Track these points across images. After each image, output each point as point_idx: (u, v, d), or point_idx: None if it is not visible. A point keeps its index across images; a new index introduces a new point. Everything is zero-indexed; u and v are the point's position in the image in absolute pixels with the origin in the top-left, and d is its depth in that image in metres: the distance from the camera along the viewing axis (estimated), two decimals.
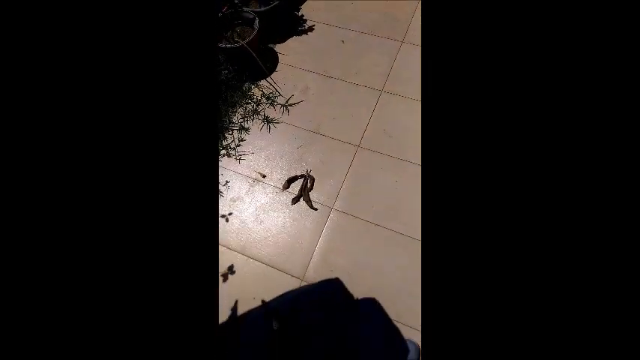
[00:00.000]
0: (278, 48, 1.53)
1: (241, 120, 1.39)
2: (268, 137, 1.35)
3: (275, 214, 1.21)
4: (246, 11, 1.42)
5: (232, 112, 1.41)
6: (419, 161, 1.23)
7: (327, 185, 1.24)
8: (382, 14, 1.54)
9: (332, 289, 1.05)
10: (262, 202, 1.23)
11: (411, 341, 0.96)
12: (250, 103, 1.43)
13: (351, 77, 1.42)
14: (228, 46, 1.34)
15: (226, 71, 1.44)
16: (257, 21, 1.39)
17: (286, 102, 1.41)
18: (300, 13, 1.59)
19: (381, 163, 1.25)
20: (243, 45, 1.32)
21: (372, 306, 1.01)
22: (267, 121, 1.38)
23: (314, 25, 1.55)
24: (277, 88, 1.44)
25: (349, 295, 1.03)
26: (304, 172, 1.27)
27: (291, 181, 1.27)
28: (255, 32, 1.38)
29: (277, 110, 1.40)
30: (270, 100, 1.42)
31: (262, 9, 1.42)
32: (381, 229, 1.13)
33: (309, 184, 1.25)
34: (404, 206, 1.17)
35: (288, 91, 1.43)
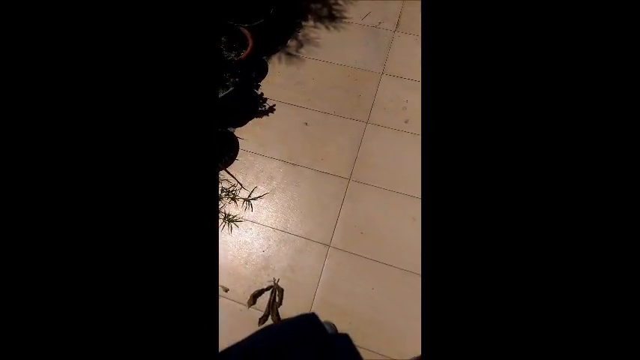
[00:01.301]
0: (238, 132, 1.42)
1: None
2: (229, 240, 1.22)
3: (242, 337, 1.07)
4: None
5: None
6: (400, 264, 1.14)
7: (298, 297, 1.12)
8: (344, 91, 1.48)
9: (308, 324, 1.00)
10: (226, 322, 1.09)
11: None
12: None
13: (318, 164, 1.33)
14: None
15: None
16: None
17: (249, 196, 1.29)
18: (259, 91, 1.50)
19: (357, 267, 1.15)
20: None
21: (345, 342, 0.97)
22: (229, 219, 1.25)
23: (275, 105, 1.46)
24: (238, 180, 1.33)
25: (324, 332, 1.01)
26: (272, 283, 1.15)
27: (256, 295, 1.14)
28: None
29: (239, 206, 1.28)
30: (231, 195, 1.30)
31: (224, 94, 1.32)
32: (361, 350, 1.02)
33: (277, 299, 1.13)
34: (386, 322, 1.07)
35: (250, 183, 1.32)
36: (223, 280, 1.16)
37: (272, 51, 1.60)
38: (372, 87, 1.48)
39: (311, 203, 1.27)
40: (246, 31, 1.45)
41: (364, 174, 1.30)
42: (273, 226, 1.24)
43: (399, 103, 1.43)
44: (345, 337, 1.01)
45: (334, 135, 1.39)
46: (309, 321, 1.04)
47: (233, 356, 0.98)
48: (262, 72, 1.55)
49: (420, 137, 1.34)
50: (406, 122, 1.38)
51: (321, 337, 1.01)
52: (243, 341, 1.00)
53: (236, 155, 1.38)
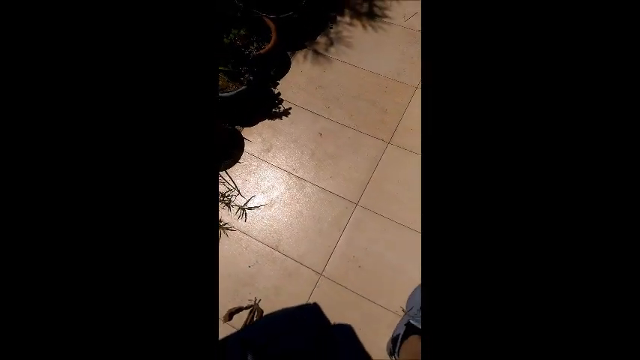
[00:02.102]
0: (246, 132, 1.33)
1: None
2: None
3: None
4: None
5: None
6: (394, 308, 1.01)
7: None
8: (370, 102, 1.32)
9: (309, 314, 1.00)
10: None
11: None
12: None
13: (325, 182, 1.21)
14: None
15: None
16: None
17: (245, 204, 1.20)
18: (277, 90, 1.38)
19: (347, 301, 1.04)
20: None
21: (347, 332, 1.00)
22: (219, 226, 1.17)
23: (290, 109, 1.34)
24: (237, 185, 1.23)
25: (326, 321, 1.01)
26: (252, 302, 1.07)
27: (233, 312, 1.06)
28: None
29: (233, 213, 1.19)
30: (226, 200, 1.21)
31: (228, 94, 1.22)
32: None
33: (255, 318, 1.04)
34: None
35: (249, 190, 1.23)
36: None
37: (298, 47, 1.46)
38: (402, 102, 1.31)
39: (310, 224, 1.15)
40: (270, 23, 1.32)
41: (375, 201, 1.16)
42: (265, 241, 1.14)
43: None
44: (347, 327, 0.96)
45: (349, 152, 1.25)
46: (308, 312, 0.99)
47: (229, 344, 0.97)
48: (283, 69, 1.42)
49: None
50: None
51: (319, 327, 0.95)
52: (240, 331, 0.98)
53: (239, 157, 1.28)
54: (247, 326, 1.01)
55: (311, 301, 1.05)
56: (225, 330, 1.04)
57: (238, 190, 1.23)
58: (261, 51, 1.29)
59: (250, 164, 1.27)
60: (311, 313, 1.03)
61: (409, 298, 1.00)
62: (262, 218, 1.18)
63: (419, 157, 1.20)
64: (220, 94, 1.21)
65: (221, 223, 1.18)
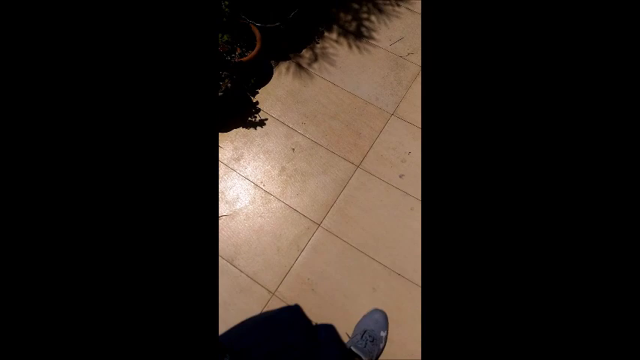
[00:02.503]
0: (220, 138, 1.30)
1: None
2: None
3: None
4: None
5: None
6: (339, 333, 1.02)
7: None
8: (345, 124, 1.33)
9: (292, 315, 1.02)
10: None
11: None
12: None
13: (291, 199, 1.21)
14: None
15: None
16: None
17: None
18: (255, 99, 1.37)
19: None
20: None
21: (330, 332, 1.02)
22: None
23: (267, 120, 1.33)
24: None
25: (308, 321, 1.03)
26: None
27: None
28: None
29: None
30: None
31: None
32: None
33: None
34: None
35: None
36: None
37: (282, 57, 1.46)
38: (376, 127, 1.33)
39: (270, 241, 1.15)
40: (256, 31, 1.31)
41: (337, 224, 1.17)
42: (222, 254, 1.13)
43: (400, 152, 1.28)
44: (330, 327, 0.97)
45: (319, 171, 1.25)
46: (290, 312, 1.02)
47: None
48: (265, 79, 1.41)
49: (411, 199, 1.19)
50: (401, 177, 1.23)
51: (301, 328, 1.00)
52: (221, 335, 0.96)
53: None
54: (229, 330, 1.00)
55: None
56: None
57: None
58: (244, 58, 1.27)
59: (218, 170, 1.25)
60: (293, 314, 1.03)
61: (357, 325, 1.01)
62: (222, 229, 1.17)
63: (385, 184, 1.22)
64: None
65: None
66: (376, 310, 1.02)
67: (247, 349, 0.96)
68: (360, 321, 1.02)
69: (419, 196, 1.19)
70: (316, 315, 1.05)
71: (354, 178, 1.24)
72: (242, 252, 1.13)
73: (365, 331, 0.97)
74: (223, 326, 1.03)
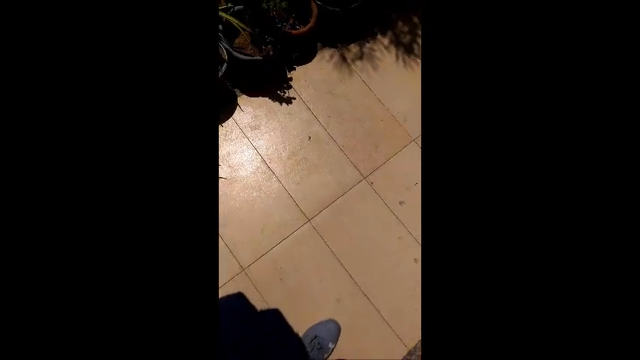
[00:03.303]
0: (242, 100, 1.27)
1: None
2: None
3: None
4: (220, 45, 1.14)
5: None
6: (291, 320, 1.05)
7: None
8: (367, 132, 1.32)
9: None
10: None
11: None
12: None
13: (291, 185, 1.20)
14: None
15: None
16: (225, 65, 1.12)
17: None
18: (290, 75, 1.33)
19: (252, 307, 1.05)
20: None
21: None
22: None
23: (294, 99, 1.30)
24: None
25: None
26: None
27: None
28: (218, 76, 1.11)
29: None
30: None
31: (244, 57, 1.15)
32: None
33: None
34: None
35: (219, 157, 1.18)
36: None
37: (330, 43, 1.41)
38: (395, 146, 1.33)
39: (257, 218, 1.15)
40: (314, 9, 1.26)
41: (325, 226, 1.18)
42: None
43: (408, 180, 1.29)
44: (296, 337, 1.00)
45: (326, 168, 1.25)
46: (270, 315, 1.04)
47: None
48: (306, 58, 1.37)
49: (402, 228, 1.21)
50: (400, 204, 1.25)
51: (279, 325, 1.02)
52: None
53: (224, 120, 1.23)
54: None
55: (222, 290, 1.06)
56: None
57: None
58: (294, 31, 1.23)
59: (231, 132, 1.23)
60: (277, 315, 1.06)
61: (310, 328, 1.04)
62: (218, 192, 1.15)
63: (384, 205, 1.23)
64: (235, 54, 1.14)
65: None
66: (332, 321, 1.05)
67: (235, 343, 0.97)
68: (313, 326, 1.04)
69: (411, 228, 1.21)
70: (275, 304, 1.07)
71: (356, 187, 1.24)
72: (229, 220, 1.13)
73: (316, 337, 0.99)
74: None
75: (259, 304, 1.06)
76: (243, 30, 1.11)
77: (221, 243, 1.10)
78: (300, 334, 1.03)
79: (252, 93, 1.29)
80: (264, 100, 1.29)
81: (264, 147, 1.23)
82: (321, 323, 1.05)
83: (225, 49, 1.13)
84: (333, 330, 1.03)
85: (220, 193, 1.15)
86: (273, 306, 1.06)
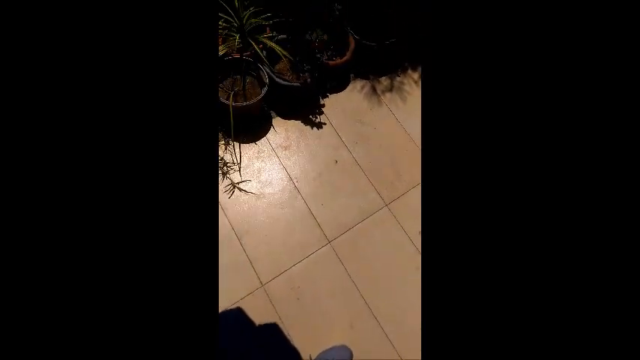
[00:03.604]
0: (276, 121, 1.34)
1: None
2: None
3: None
4: (261, 68, 1.23)
5: None
6: (303, 351, 1.05)
7: None
8: (391, 160, 1.36)
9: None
10: None
11: None
12: None
13: (315, 206, 1.24)
14: (234, 104, 1.14)
15: None
16: (266, 88, 1.20)
17: (239, 182, 1.22)
18: (322, 102, 1.41)
19: (266, 323, 1.07)
20: (244, 105, 1.13)
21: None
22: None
23: (324, 124, 1.37)
24: (241, 161, 1.25)
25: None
26: None
27: None
28: (260, 97, 1.19)
29: (222, 184, 1.21)
30: (225, 169, 1.23)
31: (283, 82, 1.23)
32: None
33: None
34: None
35: (248, 173, 1.25)
36: None
37: (362, 75, 1.49)
38: (417, 176, 1.36)
39: (280, 235, 1.18)
40: (352, 43, 1.35)
41: (345, 249, 1.20)
42: (234, 226, 1.17)
43: None
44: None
45: (350, 192, 1.28)
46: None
47: None
48: (339, 87, 1.45)
49: (421, 258, 1.22)
50: (420, 234, 1.26)
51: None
52: None
53: (258, 139, 1.30)
54: None
55: (240, 304, 1.08)
56: None
57: (240, 167, 1.24)
58: (330, 62, 1.31)
59: (263, 150, 1.29)
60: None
61: (324, 352, 1.04)
62: (244, 204, 1.20)
63: (404, 234, 1.25)
64: (277, 79, 1.22)
65: None
66: (346, 347, 1.05)
67: (224, 349, 0.99)
68: (327, 350, 1.04)
69: None
70: (289, 324, 1.08)
71: (378, 214, 1.27)
72: (252, 233, 1.17)
73: None
74: None
75: (273, 321, 1.08)
76: (285, 57, 1.20)
77: (243, 255, 1.14)
78: (312, 358, 1.04)
79: (286, 116, 1.36)
80: (297, 124, 1.36)
81: (293, 167, 1.29)
82: (334, 348, 1.05)
83: (267, 73, 1.22)
84: (346, 357, 1.03)
85: (248, 206, 1.20)
86: (285, 322, 1.08)
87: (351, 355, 1.05)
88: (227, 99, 1.18)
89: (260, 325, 1.07)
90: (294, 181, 1.27)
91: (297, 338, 1.07)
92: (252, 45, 1.15)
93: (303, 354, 1.05)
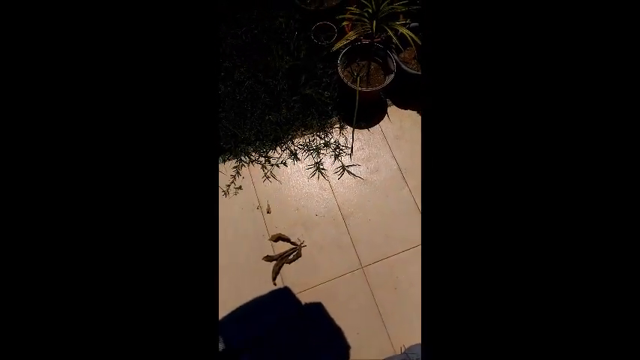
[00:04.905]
0: (391, 110, 1.34)
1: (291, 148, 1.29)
2: (302, 183, 1.24)
3: (243, 248, 1.15)
4: (389, 55, 1.22)
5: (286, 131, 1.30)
6: (395, 339, 1.07)
7: (304, 274, 1.13)
8: None
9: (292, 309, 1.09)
10: (247, 234, 1.17)
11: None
12: (308, 135, 1.31)
13: (420, 200, 1.21)
14: (363, 89, 1.18)
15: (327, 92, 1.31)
16: (392, 76, 1.20)
17: (348, 166, 1.26)
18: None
19: (361, 305, 1.10)
20: (368, 91, 1.16)
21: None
22: (319, 169, 1.25)
23: None
24: (353, 146, 1.28)
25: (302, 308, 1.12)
26: (298, 242, 1.17)
27: (280, 238, 1.18)
28: (386, 84, 1.20)
29: (332, 165, 1.26)
30: (337, 152, 1.28)
31: (414, 71, 1.21)
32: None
33: (291, 257, 1.16)
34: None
35: (358, 157, 1.28)
36: (274, 204, 1.22)
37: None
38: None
39: (383, 222, 1.19)
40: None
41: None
42: (341, 206, 1.22)
43: None
44: (318, 306, 1.07)
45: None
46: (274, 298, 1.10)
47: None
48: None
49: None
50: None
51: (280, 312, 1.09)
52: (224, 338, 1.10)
53: (371, 126, 1.32)
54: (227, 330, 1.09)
55: (339, 281, 1.13)
56: (264, 245, 1.17)
57: (351, 152, 1.28)
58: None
59: (375, 138, 1.30)
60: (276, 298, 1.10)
61: (416, 345, 1.04)
62: (351, 187, 1.24)
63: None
64: (404, 66, 1.21)
65: (321, 167, 1.26)
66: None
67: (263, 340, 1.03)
68: (416, 345, 1.03)
69: None
70: (386, 310, 1.10)
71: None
72: (357, 216, 1.20)
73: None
74: (306, 264, 1.14)
75: (366, 302, 1.11)
76: (415, 44, 1.17)
77: (346, 237, 1.18)
78: (405, 347, 1.04)
79: (402, 106, 1.34)
80: (412, 114, 1.33)
81: (403, 157, 1.27)
82: (418, 345, 1.04)
83: (395, 61, 1.21)
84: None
85: (355, 189, 1.24)
86: (380, 308, 1.10)
87: None
88: (353, 83, 1.21)
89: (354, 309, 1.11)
90: (403, 171, 1.26)
91: (391, 326, 1.08)
92: (387, 31, 1.15)
93: (395, 342, 1.06)
